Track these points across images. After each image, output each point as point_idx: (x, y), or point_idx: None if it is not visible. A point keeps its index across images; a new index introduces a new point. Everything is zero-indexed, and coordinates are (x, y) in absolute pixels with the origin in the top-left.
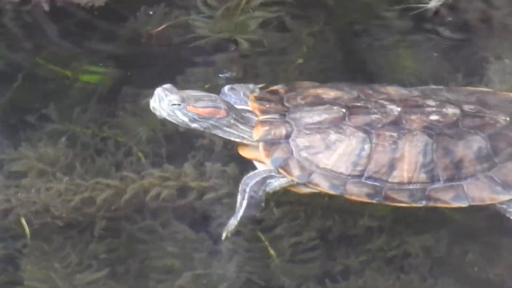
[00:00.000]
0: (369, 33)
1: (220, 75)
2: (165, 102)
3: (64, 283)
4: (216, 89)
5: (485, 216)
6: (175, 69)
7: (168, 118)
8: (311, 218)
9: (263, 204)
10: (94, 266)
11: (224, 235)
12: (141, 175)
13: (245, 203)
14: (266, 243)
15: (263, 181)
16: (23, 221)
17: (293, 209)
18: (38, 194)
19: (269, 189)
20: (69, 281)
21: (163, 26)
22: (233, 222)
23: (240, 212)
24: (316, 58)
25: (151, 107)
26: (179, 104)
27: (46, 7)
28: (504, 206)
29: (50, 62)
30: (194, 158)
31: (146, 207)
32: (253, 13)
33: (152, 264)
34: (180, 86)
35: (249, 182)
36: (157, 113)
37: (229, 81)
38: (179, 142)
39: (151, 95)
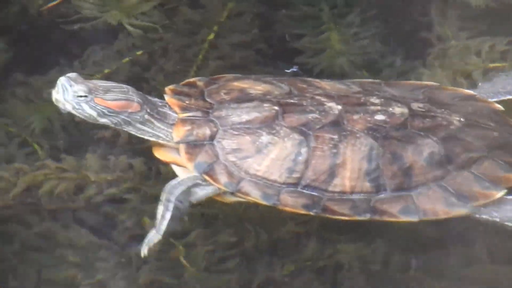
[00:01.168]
0: (290, 5)
1: (287, 71)
2: (69, 93)
3: None
4: (117, 75)
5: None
6: (70, 51)
7: (73, 111)
8: (228, 223)
9: (186, 218)
10: None
11: (143, 252)
12: (35, 166)
13: (168, 215)
14: (179, 250)
15: (189, 190)
16: None
17: (207, 212)
18: None
19: (194, 199)
20: None
21: (55, 2)
22: (155, 237)
23: (163, 225)
24: (230, 34)
25: (53, 98)
26: (85, 96)
27: None
28: (477, 216)
29: None
30: (95, 150)
31: (42, 208)
32: None
33: (50, 276)
34: (77, 72)
35: (174, 191)
36: (61, 105)
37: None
38: (77, 133)
39: (45, 80)
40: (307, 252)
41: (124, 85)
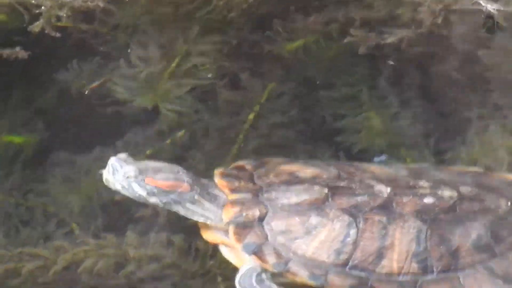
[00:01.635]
0: (330, 87)
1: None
2: (120, 174)
3: None
4: (159, 155)
5: None
6: (112, 132)
7: (122, 191)
8: None
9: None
10: None
11: None
12: (75, 244)
13: None
14: None
15: (260, 275)
16: None
17: None
18: None
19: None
20: None
21: (97, 83)
22: None
23: None
24: (270, 114)
25: (104, 179)
26: (135, 177)
27: None
28: None
29: None
30: (135, 228)
31: (81, 286)
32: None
33: None
34: (121, 151)
35: (248, 275)
36: (111, 185)
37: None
38: (116, 213)
39: (87, 158)
40: None
41: (175, 165)
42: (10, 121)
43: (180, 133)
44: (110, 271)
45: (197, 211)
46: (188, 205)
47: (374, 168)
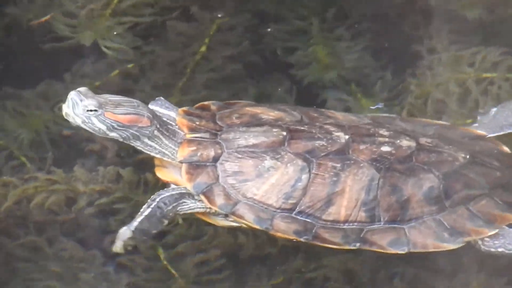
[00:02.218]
0: (280, 20)
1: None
2: (79, 107)
3: None
4: (107, 87)
5: None
6: (59, 64)
7: (82, 125)
8: (218, 235)
9: (166, 222)
10: None
11: (115, 247)
12: (24, 179)
13: (147, 211)
14: (165, 262)
15: (179, 197)
16: None
17: (197, 223)
18: None
19: (181, 209)
20: None
21: (44, 18)
22: (125, 232)
23: (137, 221)
24: (221, 47)
25: (63, 113)
26: (96, 110)
27: None
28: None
29: None
30: (83, 163)
31: (30, 220)
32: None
33: (33, 286)
34: (68, 84)
35: (162, 193)
36: (71, 119)
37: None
38: (66, 147)
39: (34, 92)
40: (295, 264)
41: (135, 100)
42: None
43: (130, 66)
44: (61, 206)
45: (154, 147)
46: (146, 140)
47: (338, 114)
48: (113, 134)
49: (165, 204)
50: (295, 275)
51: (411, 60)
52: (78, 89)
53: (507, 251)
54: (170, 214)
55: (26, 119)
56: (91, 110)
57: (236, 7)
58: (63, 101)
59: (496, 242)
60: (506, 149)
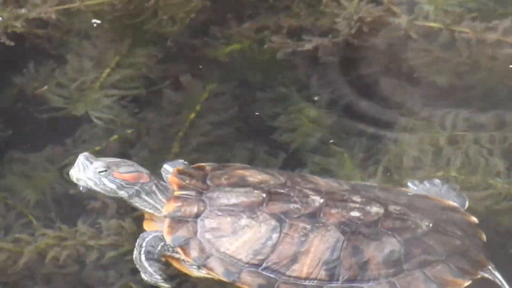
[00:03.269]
0: (265, 86)
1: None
2: (90, 170)
3: None
4: (107, 151)
5: None
6: (61, 130)
7: (94, 187)
8: None
9: (163, 260)
10: None
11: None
12: (35, 236)
13: (143, 257)
14: None
15: (162, 237)
16: None
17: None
18: None
19: (166, 251)
20: None
21: (46, 86)
22: (151, 279)
23: (147, 268)
24: (210, 113)
25: (73, 178)
26: (105, 171)
27: None
28: None
29: None
30: (85, 220)
31: (37, 272)
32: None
33: None
34: (72, 149)
35: (146, 236)
36: (82, 183)
37: None
38: (68, 205)
39: (40, 157)
40: None
41: (128, 160)
42: None
43: (129, 131)
44: (74, 259)
45: (149, 202)
46: (144, 196)
47: (320, 180)
48: (121, 193)
49: (152, 246)
50: None
51: (386, 124)
52: (84, 153)
53: None
54: (161, 253)
55: (32, 181)
56: (101, 171)
57: (223, 75)
58: (68, 164)
59: None
60: (473, 219)
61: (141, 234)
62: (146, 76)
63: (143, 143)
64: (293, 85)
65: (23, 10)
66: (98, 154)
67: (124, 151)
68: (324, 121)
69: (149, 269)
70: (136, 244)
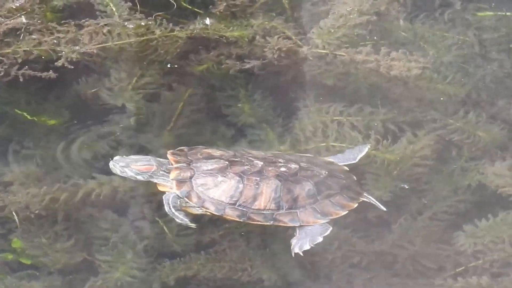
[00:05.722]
0: (223, 89)
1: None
2: (117, 167)
3: (48, 249)
4: (131, 129)
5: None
6: (107, 116)
7: (121, 174)
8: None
9: (183, 212)
10: (65, 237)
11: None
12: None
13: (173, 210)
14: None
15: (178, 196)
16: (14, 214)
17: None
18: (21, 196)
19: (182, 202)
20: (51, 247)
21: (94, 89)
22: (183, 222)
23: (178, 215)
24: (191, 105)
25: (112, 170)
26: (127, 167)
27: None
28: (295, 234)
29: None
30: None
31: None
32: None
33: (95, 235)
34: (114, 126)
35: (168, 197)
36: (116, 172)
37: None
38: (107, 163)
39: (92, 134)
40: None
41: (148, 156)
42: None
43: (141, 116)
44: (111, 198)
45: (163, 178)
46: (156, 177)
47: (254, 152)
48: (139, 177)
49: (175, 202)
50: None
51: (294, 111)
52: (114, 158)
53: (305, 247)
54: (181, 206)
55: (90, 147)
56: (123, 166)
57: (198, 82)
58: (111, 133)
59: (294, 241)
60: (345, 168)
61: (163, 196)
62: (154, 82)
63: (151, 122)
64: (240, 88)
65: (77, 48)
66: (125, 129)
67: (140, 128)
68: (258, 110)
69: (180, 216)
70: (164, 203)
